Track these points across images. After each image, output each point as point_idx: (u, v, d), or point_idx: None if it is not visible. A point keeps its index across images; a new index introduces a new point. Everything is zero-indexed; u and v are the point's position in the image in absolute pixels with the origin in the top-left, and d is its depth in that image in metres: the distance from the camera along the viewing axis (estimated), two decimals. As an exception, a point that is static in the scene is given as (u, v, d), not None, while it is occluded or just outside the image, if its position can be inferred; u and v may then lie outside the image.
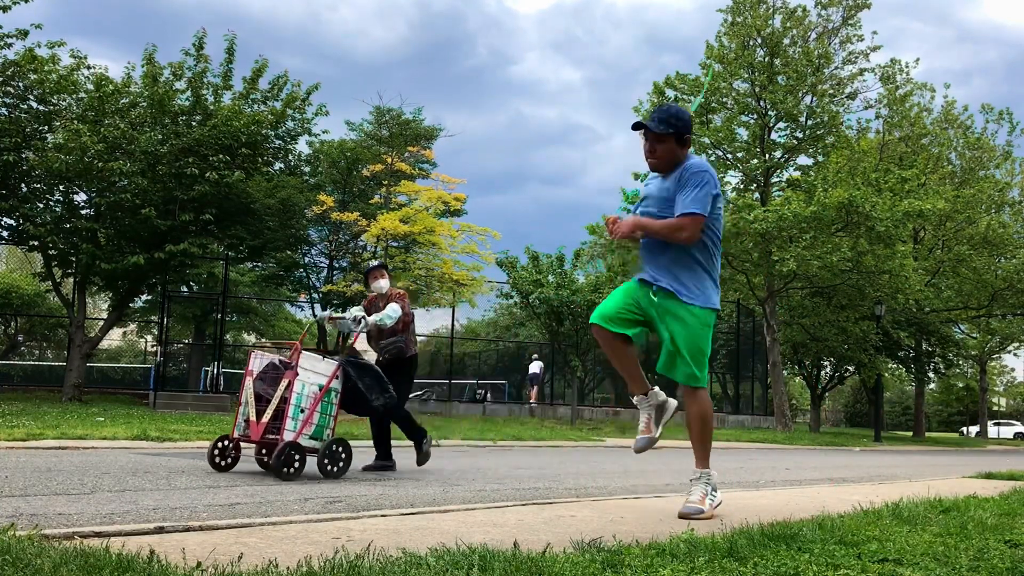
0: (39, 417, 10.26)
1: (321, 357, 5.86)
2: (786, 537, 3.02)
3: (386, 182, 17.96)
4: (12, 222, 18.03)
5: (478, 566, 2.33)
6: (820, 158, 25.56)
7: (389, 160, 17.73)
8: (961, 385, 51.05)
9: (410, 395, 6.58)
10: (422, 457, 6.63)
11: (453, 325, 27.03)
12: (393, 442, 6.69)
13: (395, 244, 17.49)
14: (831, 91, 24.94)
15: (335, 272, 19.68)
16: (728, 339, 29.35)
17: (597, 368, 30.06)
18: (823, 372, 32.81)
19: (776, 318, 24.35)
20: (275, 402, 5.54)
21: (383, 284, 6.77)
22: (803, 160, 26.79)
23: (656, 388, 4.07)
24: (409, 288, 17.61)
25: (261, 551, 2.55)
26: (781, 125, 25.29)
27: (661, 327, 3.84)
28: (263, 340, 38.50)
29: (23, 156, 17.04)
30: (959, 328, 35.88)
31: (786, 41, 24.69)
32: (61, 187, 18.01)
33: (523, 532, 3.16)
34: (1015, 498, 5.14)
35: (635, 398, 4.08)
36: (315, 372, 5.71)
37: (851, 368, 30.72)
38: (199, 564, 2.24)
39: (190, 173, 16.92)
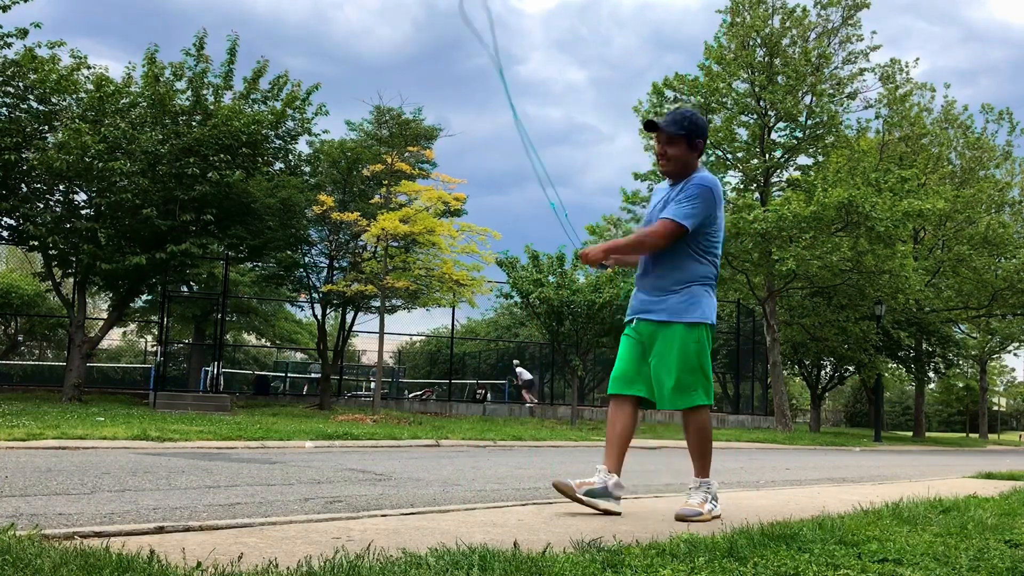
0: (39, 417, 10.25)
1: None
2: (786, 537, 3.02)
3: (386, 182, 17.93)
4: (12, 222, 18.03)
5: (478, 566, 2.33)
6: (820, 158, 25.57)
7: (389, 160, 17.70)
8: (961, 385, 51.06)
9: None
10: None
11: (453, 325, 27.07)
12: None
13: (395, 244, 17.46)
14: (831, 91, 24.95)
15: (335, 272, 19.67)
16: (728, 339, 29.36)
17: (597, 368, 30.06)
18: (823, 372, 32.81)
19: (776, 318, 24.35)
20: None
21: None
22: (803, 160, 26.81)
23: (620, 480, 3.76)
24: (409, 288, 17.54)
25: (261, 551, 2.55)
26: (781, 125, 25.30)
27: (652, 360, 3.75)
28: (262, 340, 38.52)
29: (23, 156, 17.03)
30: (959, 328, 35.87)
31: (785, 41, 24.70)
32: (61, 187, 18.01)
33: (523, 532, 3.16)
34: (1015, 498, 5.15)
35: (600, 466, 3.78)
36: None
37: (851, 368, 30.72)
38: (199, 564, 2.24)
39: (191, 173, 16.92)
